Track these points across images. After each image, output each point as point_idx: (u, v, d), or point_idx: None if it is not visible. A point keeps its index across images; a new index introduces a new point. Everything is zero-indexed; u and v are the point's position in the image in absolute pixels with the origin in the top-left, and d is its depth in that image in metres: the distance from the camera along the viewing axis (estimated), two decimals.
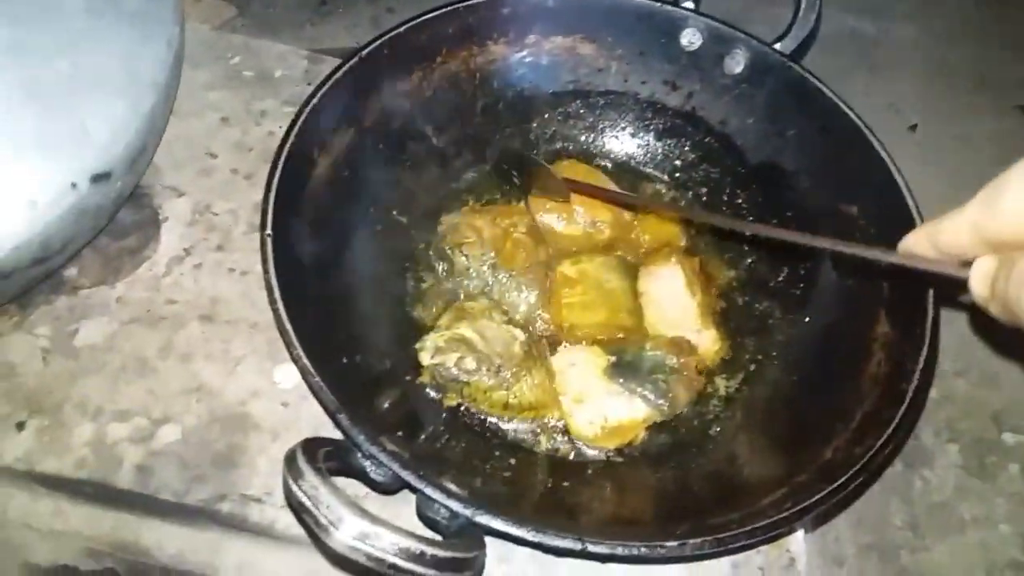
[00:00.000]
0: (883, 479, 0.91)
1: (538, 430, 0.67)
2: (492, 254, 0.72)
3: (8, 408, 0.64)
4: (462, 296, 0.72)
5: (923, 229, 0.46)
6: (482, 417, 0.66)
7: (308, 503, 0.42)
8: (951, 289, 0.53)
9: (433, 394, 0.65)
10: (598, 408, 0.66)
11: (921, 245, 0.46)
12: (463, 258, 0.72)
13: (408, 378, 0.66)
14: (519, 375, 0.65)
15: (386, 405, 0.62)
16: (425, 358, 0.65)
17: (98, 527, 0.64)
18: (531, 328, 0.70)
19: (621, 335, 0.71)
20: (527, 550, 0.60)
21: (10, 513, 0.65)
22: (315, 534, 0.42)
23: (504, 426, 0.66)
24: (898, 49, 1.38)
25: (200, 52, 0.85)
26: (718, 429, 0.67)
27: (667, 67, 0.77)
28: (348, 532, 0.41)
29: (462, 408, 0.66)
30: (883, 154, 0.66)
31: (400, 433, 0.58)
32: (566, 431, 0.66)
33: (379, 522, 0.42)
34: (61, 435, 0.63)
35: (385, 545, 0.41)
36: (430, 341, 0.66)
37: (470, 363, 0.64)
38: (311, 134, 0.65)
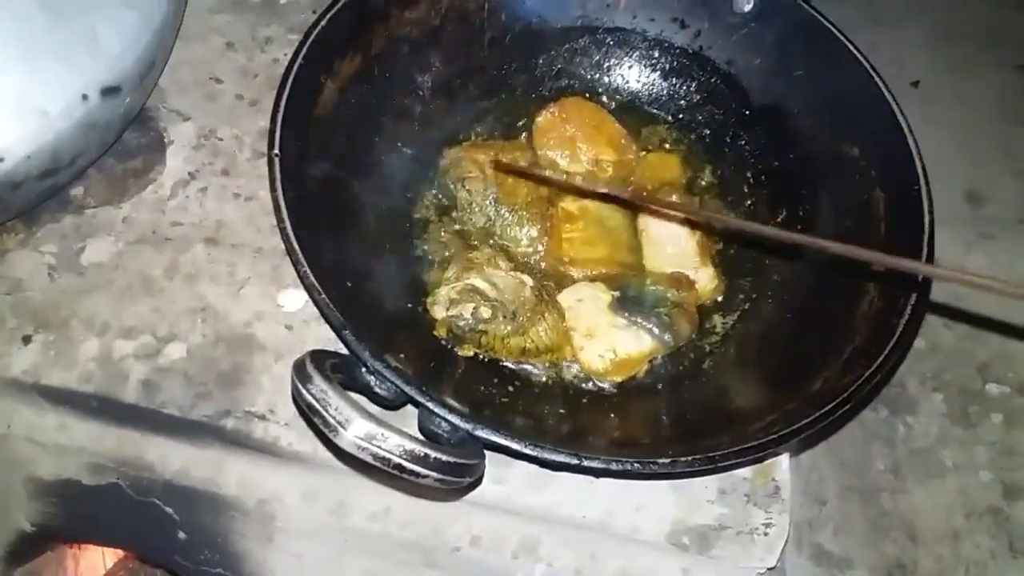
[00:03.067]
0: (867, 424, 0.93)
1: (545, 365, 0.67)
2: (494, 189, 0.73)
3: (15, 322, 0.65)
4: (467, 228, 0.72)
5: None
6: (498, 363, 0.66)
7: (317, 405, 0.43)
8: None
9: (449, 347, 0.65)
10: (607, 342, 0.67)
11: None
12: (465, 193, 0.73)
13: (409, 306, 0.67)
14: (534, 319, 0.66)
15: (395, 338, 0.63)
16: (439, 312, 0.65)
17: (102, 442, 0.66)
18: (535, 270, 0.71)
19: (621, 272, 0.72)
20: (521, 473, 0.62)
21: (15, 427, 0.67)
22: (324, 435, 0.43)
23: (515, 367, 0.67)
24: (905, 4, 1.37)
25: None
26: (712, 363, 0.68)
27: (676, 4, 0.77)
28: (356, 432, 0.43)
29: (481, 359, 0.66)
30: (888, 96, 0.67)
31: (403, 355, 0.60)
32: (570, 363, 0.67)
33: (385, 425, 0.43)
34: (68, 350, 0.65)
35: (391, 446, 0.43)
36: (442, 294, 0.66)
37: (485, 312, 0.64)
38: (319, 57, 0.65)
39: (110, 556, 0.94)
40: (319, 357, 0.48)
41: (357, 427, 0.43)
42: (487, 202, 0.73)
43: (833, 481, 0.90)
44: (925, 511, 0.88)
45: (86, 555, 0.92)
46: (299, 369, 0.46)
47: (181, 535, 0.67)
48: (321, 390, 0.44)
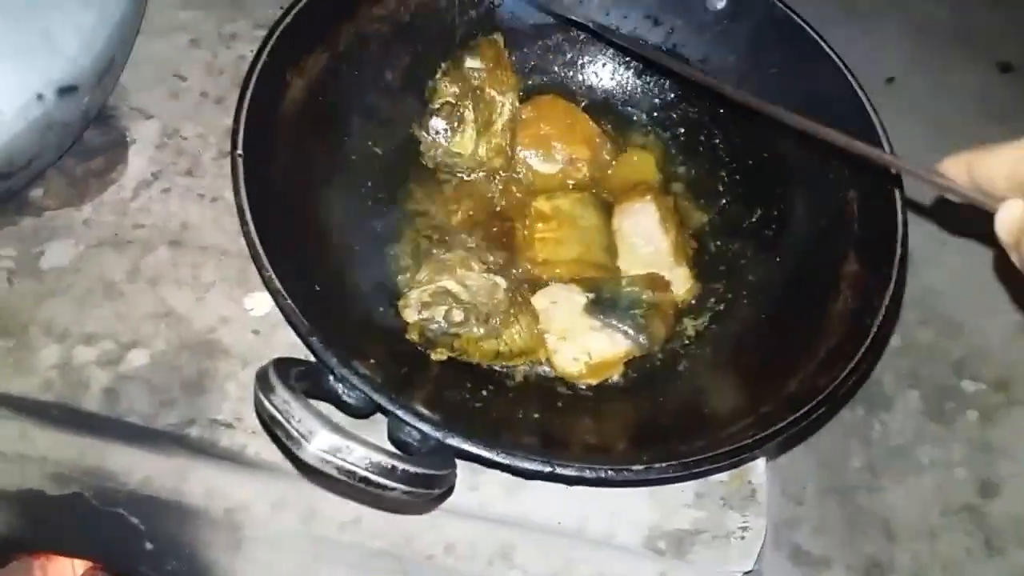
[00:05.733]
0: (844, 423, 0.93)
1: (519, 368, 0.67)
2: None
3: None
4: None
5: (964, 156, 0.44)
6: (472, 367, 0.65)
7: (279, 416, 0.42)
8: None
9: (422, 351, 0.64)
10: (582, 345, 0.66)
11: (958, 170, 0.45)
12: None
13: (381, 310, 0.65)
14: (507, 322, 0.65)
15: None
16: (411, 315, 0.64)
17: (64, 451, 0.64)
18: (512, 272, 0.70)
19: (595, 273, 0.71)
20: (496, 479, 0.61)
21: None
22: (287, 448, 0.42)
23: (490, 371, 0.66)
24: (881, 0, 1.37)
25: None
26: (687, 364, 0.67)
27: (649, 0, 0.76)
28: (319, 445, 0.41)
29: (454, 363, 0.64)
30: (860, 94, 0.66)
31: (372, 361, 0.58)
32: (545, 367, 0.67)
33: (351, 436, 0.42)
34: (27, 357, 0.63)
35: (356, 459, 0.42)
36: (414, 297, 0.64)
37: (458, 315, 0.63)
38: (284, 54, 0.63)
39: (79, 565, 0.92)
40: (283, 365, 0.47)
41: (321, 439, 0.41)
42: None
43: (810, 480, 0.89)
44: (902, 509, 0.89)
45: (54, 565, 0.90)
46: (262, 379, 0.44)
47: (147, 545, 0.65)
48: (284, 400, 0.42)
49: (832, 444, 0.92)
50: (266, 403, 0.43)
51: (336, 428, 0.42)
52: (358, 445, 0.42)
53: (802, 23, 0.70)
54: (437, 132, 0.71)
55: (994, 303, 0.99)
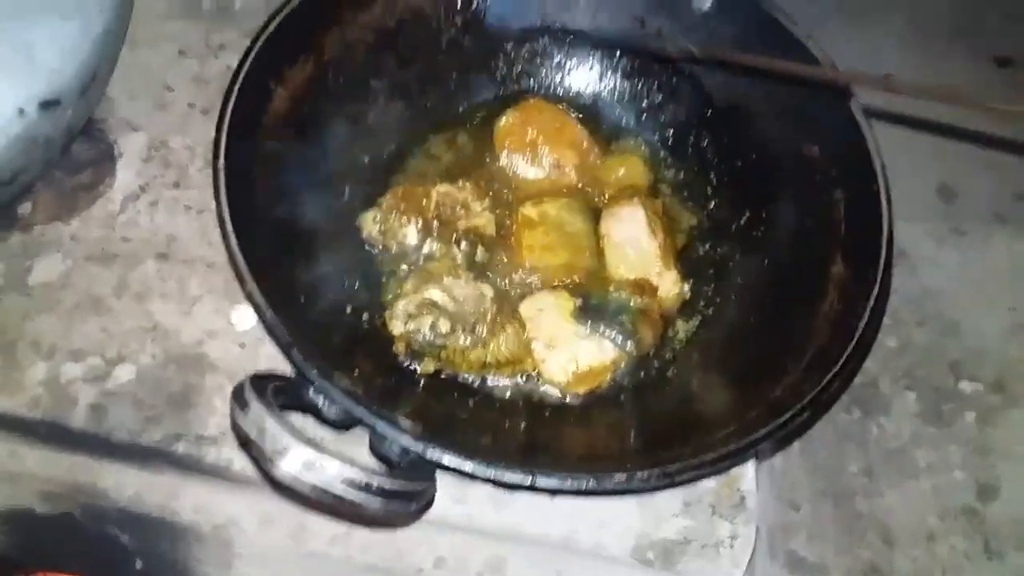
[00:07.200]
0: (840, 426, 0.92)
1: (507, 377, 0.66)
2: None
3: None
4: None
5: None
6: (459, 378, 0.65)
7: (252, 434, 0.42)
8: None
9: (409, 363, 0.64)
10: (570, 352, 0.66)
11: None
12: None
13: (367, 320, 0.65)
14: (494, 331, 0.65)
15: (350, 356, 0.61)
16: (397, 326, 0.64)
17: (54, 469, 0.64)
18: (499, 280, 0.69)
19: (583, 278, 0.71)
20: (483, 491, 0.61)
21: None
22: (261, 467, 0.42)
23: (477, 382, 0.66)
24: None
25: None
26: (676, 370, 0.67)
27: (636, 3, 0.75)
28: (293, 462, 0.41)
29: (442, 375, 0.64)
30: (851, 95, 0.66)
31: (357, 373, 0.58)
32: (533, 376, 0.66)
33: (325, 452, 0.42)
34: (14, 374, 0.63)
35: (330, 476, 0.41)
36: (400, 308, 0.64)
37: (444, 325, 0.63)
38: (268, 64, 0.63)
39: None
40: (260, 381, 0.46)
41: (293, 456, 0.41)
42: None
43: (807, 485, 0.89)
44: (899, 513, 0.88)
45: None
46: (237, 395, 0.44)
47: (138, 563, 0.65)
48: (258, 417, 0.42)
49: (828, 448, 0.91)
50: (240, 421, 0.42)
51: (310, 443, 0.42)
52: (332, 461, 0.42)
53: (785, 24, 0.69)
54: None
55: (992, 303, 0.98)
